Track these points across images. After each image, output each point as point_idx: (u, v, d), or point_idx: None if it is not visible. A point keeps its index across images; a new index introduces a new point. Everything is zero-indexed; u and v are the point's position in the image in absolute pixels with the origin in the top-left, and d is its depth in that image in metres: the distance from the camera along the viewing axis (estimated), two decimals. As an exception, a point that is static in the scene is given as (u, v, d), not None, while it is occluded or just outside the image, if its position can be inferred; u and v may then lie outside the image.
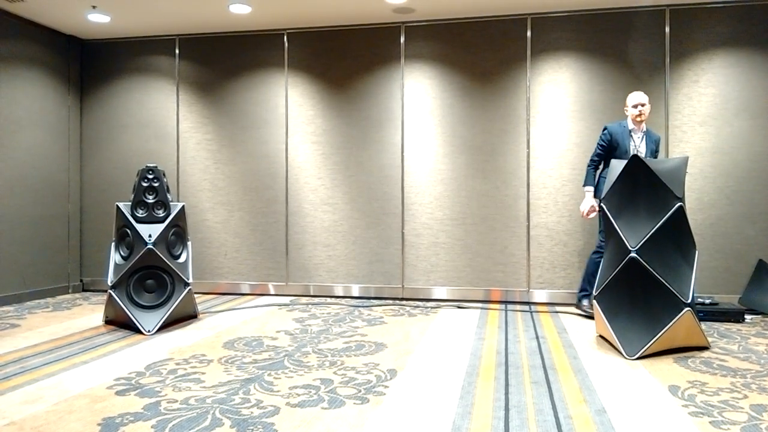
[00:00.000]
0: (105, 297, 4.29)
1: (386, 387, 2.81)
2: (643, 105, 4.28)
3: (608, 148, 4.37)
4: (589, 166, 4.49)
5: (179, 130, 5.83)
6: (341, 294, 5.51)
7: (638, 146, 4.34)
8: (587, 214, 4.44)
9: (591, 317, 4.37)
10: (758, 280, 4.69)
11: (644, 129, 4.38)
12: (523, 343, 3.70)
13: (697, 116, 4.90)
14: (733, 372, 3.05)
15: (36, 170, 5.44)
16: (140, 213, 4.18)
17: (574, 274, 5.07)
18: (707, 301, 4.47)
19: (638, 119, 4.31)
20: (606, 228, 3.73)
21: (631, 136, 4.36)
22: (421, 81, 5.37)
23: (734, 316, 4.32)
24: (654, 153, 4.38)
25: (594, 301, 3.64)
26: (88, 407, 2.53)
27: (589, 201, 4.43)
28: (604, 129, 4.42)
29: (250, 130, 5.70)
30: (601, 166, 4.48)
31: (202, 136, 5.79)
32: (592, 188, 4.45)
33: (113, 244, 4.24)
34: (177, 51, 5.83)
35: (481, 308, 4.92)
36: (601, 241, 4.35)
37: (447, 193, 5.32)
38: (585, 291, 4.56)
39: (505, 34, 5.21)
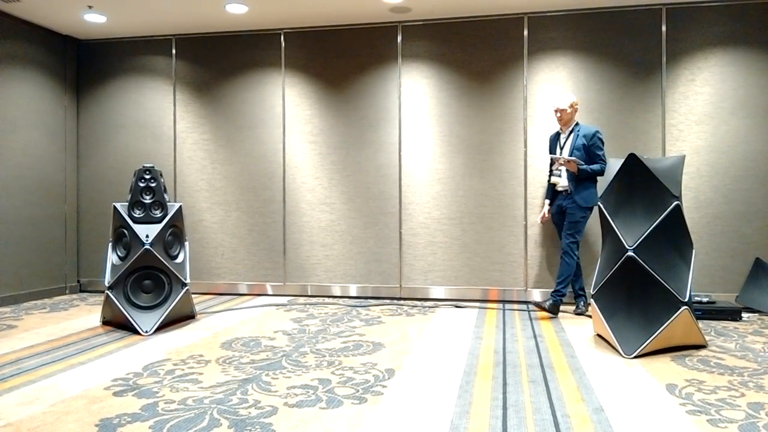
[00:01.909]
0: (102, 298, 4.28)
1: (384, 387, 2.81)
2: (561, 110, 4.52)
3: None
4: (548, 178, 4.77)
5: (176, 130, 5.82)
6: (339, 294, 5.51)
7: (563, 145, 4.57)
8: (540, 220, 4.85)
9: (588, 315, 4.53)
10: (755, 278, 4.70)
11: (571, 127, 4.56)
12: (521, 342, 3.71)
13: (694, 115, 4.91)
14: (730, 370, 3.06)
15: (32, 171, 5.42)
16: (137, 213, 4.17)
17: (571, 273, 5.07)
18: (704, 300, 4.48)
19: (560, 122, 4.58)
20: (603, 227, 3.74)
21: (559, 137, 4.63)
22: (418, 80, 5.37)
23: (731, 314, 4.32)
24: (585, 146, 4.44)
25: (591, 300, 3.65)
26: (85, 408, 2.53)
27: (544, 209, 4.78)
28: None
29: (247, 130, 5.69)
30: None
31: (199, 136, 5.78)
32: (546, 200, 4.76)
33: (110, 244, 4.23)
34: (173, 51, 5.82)
35: (479, 307, 4.92)
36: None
37: (444, 192, 5.32)
38: (576, 293, 4.73)
39: (502, 33, 5.21)
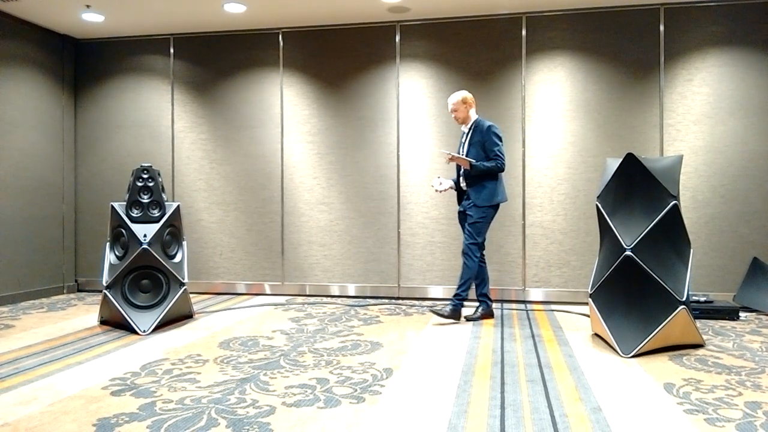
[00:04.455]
0: (100, 297, 4.28)
1: (382, 386, 2.81)
2: (453, 110, 4.33)
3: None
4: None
5: (174, 129, 5.81)
6: (337, 293, 5.50)
7: (464, 143, 4.37)
8: (437, 186, 4.37)
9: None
10: (753, 277, 4.71)
11: (469, 125, 4.35)
12: (519, 342, 3.71)
13: (692, 115, 4.91)
14: (727, 369, 3.06)
15: (30, 171, 5.41)
16: (135, 213, 4.16)
17: (569, 273, 5.08)
18: (702, 299, 4.48)
19: (457, 121, 4.39)
20: (601, 226, 3.75)
21: (463, 134, 4.42)
22: (416, 80, 5.37)
23: (729, 313, 4.33)
24: (480, 143, 4.22)
25: (589, 300, 3.65)
26: (83, 408, 2.52)
27: (447, 183, 4.39)
28: None
29: (245, 129, 5.69)
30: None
31: (197, 135, 5.78)
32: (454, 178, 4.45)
33: (108, 244, 4.23)
34: (171, 50, 5.81)
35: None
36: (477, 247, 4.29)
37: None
38: (477, 297, 4.46)
39: (500, 33, 5.21)
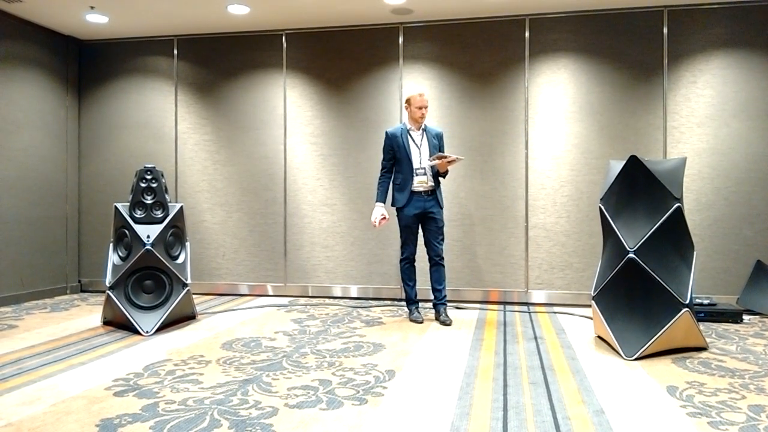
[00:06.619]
0: (103, 298, 4.29)
1: (385, 388, 2.81)
2: (426, 107, 4.30)
3: (392, 153, 4.34)
4: (379, 179, 4.41)
5: (177, 130, 5.82)
6: (340, 295, 5.50)
7: (420, 144, 4.32)
8: (378, 224, 4.34)
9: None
10: (756, 280, 4.70)
11: (423, 126, 4.36)
12: (522, 344, 3.71)
13: (695, 117, 4.91)
14: (731, 372, 3.06)
15: (34, 171, 5.43)
16: (138, 214, 4.17)
17: (572, 275, 5.07)
18: (705, 302, 4.47)
19: (421, 120, 4.31)
20: (604, 229, 3.74)
21: (410, 135, 4.34)
22: (419, 82, 5.37)
23: (732, 316, 4.32)
24: (438, 147, 4.33)
25: (592, 302, 3.64)
26: (85, 408, 2.53)
27: (378, 211, 4.34)
28: (385, 135, 4.40)
29: (248, 130, 5.69)
30: (392, 174, 4.39)
31: (201, 136, 5.79)
32: (382, 203, 4.37)
33: (111, 244, 4.23)
34: (175, 51, 5.82)
35: (480, 309, 4.92)
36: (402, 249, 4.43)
37: (445, 194, 5.29)
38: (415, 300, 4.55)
39: (504, 34, 5.21)
